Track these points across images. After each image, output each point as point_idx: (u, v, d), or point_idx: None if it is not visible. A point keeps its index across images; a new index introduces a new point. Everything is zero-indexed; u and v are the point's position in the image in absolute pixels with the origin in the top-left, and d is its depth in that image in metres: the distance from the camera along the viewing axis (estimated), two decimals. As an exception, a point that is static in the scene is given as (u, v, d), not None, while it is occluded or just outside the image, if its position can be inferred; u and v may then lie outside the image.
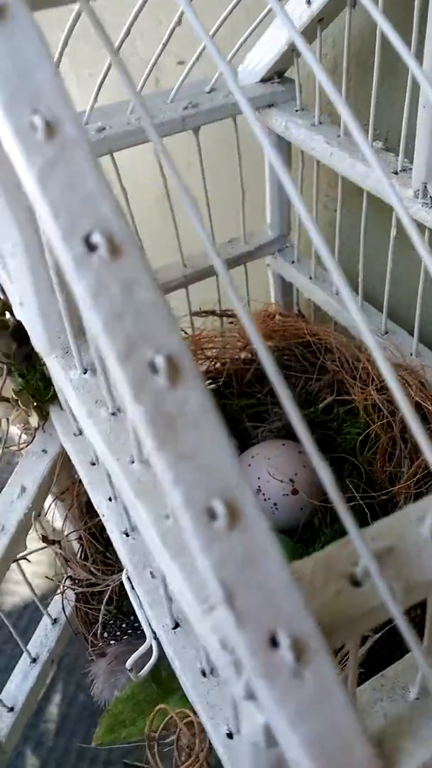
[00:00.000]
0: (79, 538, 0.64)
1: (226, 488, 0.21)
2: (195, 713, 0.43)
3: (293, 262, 0.69)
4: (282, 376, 0.22)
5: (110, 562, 0.60)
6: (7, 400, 0.62)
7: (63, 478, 0.67)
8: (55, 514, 0.71)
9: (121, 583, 0.55)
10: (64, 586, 0.62)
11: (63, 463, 0.65)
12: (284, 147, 0.64)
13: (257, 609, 0.21)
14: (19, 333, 0.61)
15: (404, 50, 0.27)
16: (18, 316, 0.44)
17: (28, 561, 0.63)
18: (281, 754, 0.25)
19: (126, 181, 0.59)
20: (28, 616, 1.11)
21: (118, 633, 0.54)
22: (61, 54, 0.48)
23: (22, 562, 0.61)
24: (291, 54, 0.57)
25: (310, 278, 0.67)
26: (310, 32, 0.54)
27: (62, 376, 0.38)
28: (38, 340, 0.40)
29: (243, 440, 0.62)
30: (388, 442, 0.51)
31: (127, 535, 0.49)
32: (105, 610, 0.56)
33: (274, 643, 0.21)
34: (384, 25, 0.28)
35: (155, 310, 0.22)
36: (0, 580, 0.59)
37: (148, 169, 0.66)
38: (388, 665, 0.36)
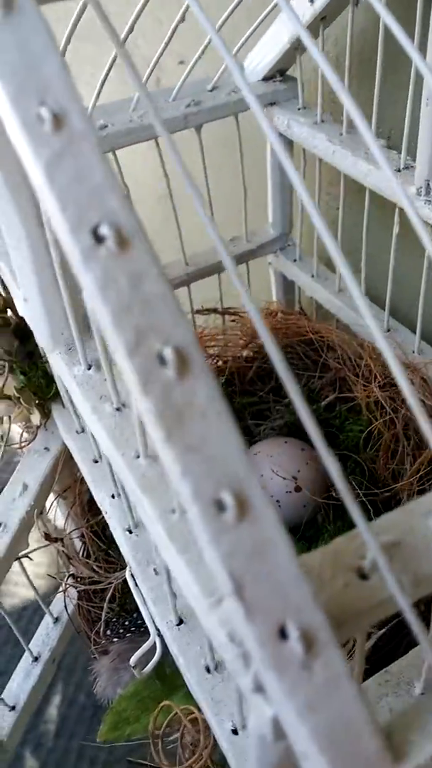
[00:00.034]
0: (82, 536, 0.64)
1: (235, 480, 0.21)
2: (199, 710, 0.43)
3: (295, 260, 0.69)
4: (290, 370, 0.22)
5: (113, 560, 0.60)
6: (8, 397, 0.62)
7: (65, 477, 0.67)
8: (56, 513, 0.71)
9: (124, 581, 0.55)
10: (66, 584, 0.62)
11: (65, 461, 0.65)
12: (286, 146, 0.64)
13: (266, 601, 0.21)
14: (21, 330, 0.61)
15: (407, 42, 0.27)
16: (21, 313, 0.44)
17: (30, 559, 0.63)
18: (289, 747, 0.25)
19: (127, 180, 0.59)
20: (29, 614, 1.10)
21: (121, 630, 0.54)
22: (63, 51, 0.48)
23: (24, 560, 0.61)
24: (293, 52, 0.57)
25: (312, 276, 0.67)
26: (312, 30, 0.54)
27: (66, 372, 0.38)
28: (42, 336, 0.40)
29: (245, 438, 0.62)
30: (391, 439, 0.51)
31: (131, 532, 0.49)
32: (108, 608, 0.56)
33: (283, 635, 0.20)
34: (387, 18, 0.28)
35: (163, 302, 0.22)
36: (2, 579, 0.59)
37: (150, 168, 0.66)
38: (391, 662, 0.36)
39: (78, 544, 0.65)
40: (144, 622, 0.53)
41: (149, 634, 0.48)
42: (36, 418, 0.65)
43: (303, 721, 0.20)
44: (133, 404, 0.30)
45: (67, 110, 0.23)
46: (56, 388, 0.60)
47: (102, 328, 0.22)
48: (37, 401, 0.62)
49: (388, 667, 0.34)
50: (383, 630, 0.41)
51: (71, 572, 0.63)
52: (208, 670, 0.41)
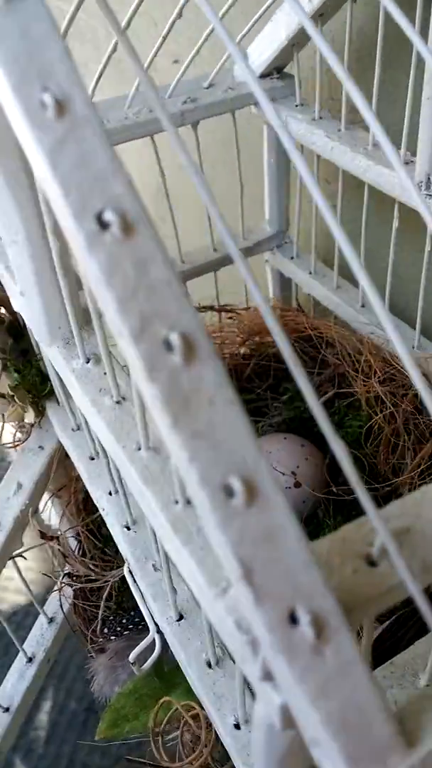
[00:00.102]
0: (77, 535, 0.63)
1: (243, 465, 0.21)
2: (200, 706, 0.43)
3: (292, 257, 0.69)
4: (298, 360, 0.22)
5: (109, 558, 0.60)
6: (2, 396, 0.62)
7: (59, 476, 0.66)
8: (51, 513, 0.70)
9: (121, 579, 0.55)
10: (61, 583, 0.62)
11: (59, 460, 0.65)
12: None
13: (276, 585, 0.20)
14: (15, 328, 0.61)
15: (408, 27, 0.27)
16: (17, 308, 0.44)
17: (25, 558, 0.62)
18: (297, 735, 0.25)
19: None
20: (22, 615, 1.10)
21: (119, 629, 0.54)
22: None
23: (18, 560, 0.61)
24: (290, 49, 0.57)
25: (310, 273, 0.67)
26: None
27: (64, 365, 0.38)
28: (39, 331, 0.39)
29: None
30: (392, 433, 0.51)
31: (128, 529, 0.49)
32: (104, 606, 0.55)
33: (293, 620, 0.20)
34: (388, 4, 0.28)
35: (169, 288, 0.22)
36: (-3, 578, 0.58)
37: (145, 165, 0.66)
38: (393, 656, 0.36)
39: (73, 543, 0.65)
40: (141, 620, 0.53)
41: (147, 632, 0.48)
42: (30, 416, 0.64)
43: (314, 707, 0.20)
44: (134, 396, 0.30)
45: (70, 96, 0.23)
46: (51, 386, 0.59)
47: (106, 315, 0.22)
48: (31, 399, 0.62)
49: (392, 659, 0.34)
50: (386, 623, 0.41)
51: (67, 571, 0.62)
52: (209, 665, 0.41)
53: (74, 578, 0.60)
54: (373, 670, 0.34)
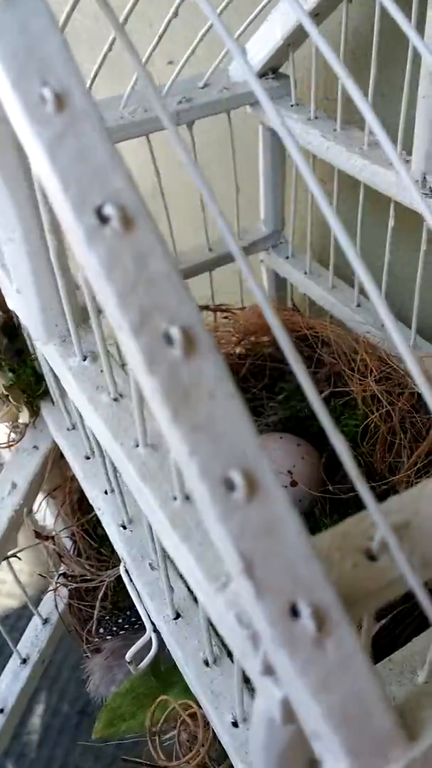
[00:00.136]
0: (72, 535, 0.63)
1: (244, 459, 0.21)
2: (197, 705, 0.43)
3: (287, 257, 0.69)
4: (300, 360, 0.22)
5: (104, 558, 0.60)
6: (-3, 395, 0.62)
7: (54, 476, 0.66)
8: (45, 514, 0.70)
9: (116, 579, 0.55)
10: (56, 583, 0.62)
11: (54, 460, 0.64)
12: (279, 142, 0.64)
13: (277, 579, 0.20)
14: (9, 328, 0.61)
15: (405, 22, 0.27)
16: (12, 306, 0.44)
17: (19, 559, 0.62)
18: (298, 730, 0.25)
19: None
20: (15, 616, 1.09)
21: (114, 628, 0.53)
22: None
23: (12, 560, 0.60)
24: (286, 49, 0.57)
25: (305, 273, 0.67)
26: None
27: (61, 363, 0.38)
28: (36, 329, 0.39)
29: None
30: (388, 432, 0.51)
31: (125, 528, 0.49)
32: (100, 606, 0.55)
33: (294, 613, 0.20)
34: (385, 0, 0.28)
35: (169, 281, 0.22)
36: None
37: (140, 165, 0.66)
38: (392, 653, 0.36)
39: (68, 543, 0.65)
40: (137, 620, 0.53)
41: (143, 632, 0.48)
42: (24, 416, 0.64)
43: (316, 700, 0.20)
44: (132, 392, 0.30)
45: (69, 90, 0.23)
46: (45, 385, 0.59)
47: (106, 309, 0.22)
48: (26, 399, 0.62)
49: (390, 656, 0.34)
50: (383, 621, 0.41)
51: (62, 571, 0.62)
52: (206, 663, 0.41)
53: (69, 578, 0.60)
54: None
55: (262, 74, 0.61)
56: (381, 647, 0.40)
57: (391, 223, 0.54)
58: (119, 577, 0.55)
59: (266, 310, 0.22)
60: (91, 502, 0.53)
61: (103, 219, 0.22)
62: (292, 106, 0.60)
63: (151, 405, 0.22)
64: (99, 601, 0.55)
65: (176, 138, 0.25)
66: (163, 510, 0.29)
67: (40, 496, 0.66)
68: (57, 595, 0.63)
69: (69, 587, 0.59)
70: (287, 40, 0.56)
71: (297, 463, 0.52)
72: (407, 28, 0.27)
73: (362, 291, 0.63)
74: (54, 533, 0.61)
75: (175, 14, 0.48)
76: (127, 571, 0.47)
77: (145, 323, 0.21)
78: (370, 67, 0.50)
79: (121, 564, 0.48)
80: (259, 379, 0.63)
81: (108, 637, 0.54)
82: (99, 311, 0.31)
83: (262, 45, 0.58)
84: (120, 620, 0.54)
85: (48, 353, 0.39)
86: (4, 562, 0.60)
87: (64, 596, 0.64)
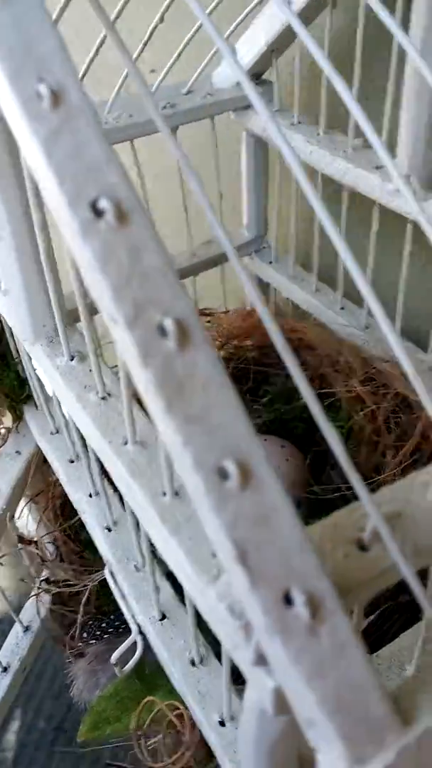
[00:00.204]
0: (54, 541, 0.63)
1: (237, 448, 0.21)
2: (183, 706, 0.42)
3: (271, 262, 0.69)
4: (298, 365, 0.22)
5: (87, 564, 0.59)
6: (-20, 400, 0.61)
7: (36, 481, 0.66)
8: (27, 520, 0.70)
9: (99, 584, 0.55)
10: (39, 589, 0.61)
11: (36, 466, 0.64)
12: (262, 148, 0.65)
13: (270, 567, 0.21)
14: (-7, 333, 0.61)
15: (392, 22, 0.28)
16: (-1, 308, 0.44)
17: (1, 564, 0.62)
18: (289, 721, 0.25)
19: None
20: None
21: (98, 633, 0.53)
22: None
23: (-5, 567, 0.60)
24: (270, 55, 0.58)
25: (289, 277, 0.67)
26: (289, 34, 0.55)
27: (48, 363, 0.38)
28: (23, 329, 0.39)
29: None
30: (373, 432, 0.52)
31: (109, 530, 0.49)
32: (83, 611, 0.55)
33: (288, 600, 0.21)
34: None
35: (163, 274, 0.22)
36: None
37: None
38: (380, 649, 0.36)
39: (50, 549, 0.64)
40: (121, 624, 0.53)
41: (127, 635, 0.48)
42: (7, 420, 0.64)
43: (310, 687, 0.20)
44: (122, 389, 0.30)
45: (65, 87, 0.23)
46: (29, 390, 0.59)
47: (101, 302, 0.22)
48: (9, 403, 0.62)
49: (378, 652, 0.34)
50: (371, 617, 0.42)
51: (44, 577, 0.62)
52: (193, 663, 0.41)
53: (52, 583, 0.59)
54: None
55: (245, 81, 0.62)
56: (369, 643, 0.40)
57: (374, 226, 0.55)
58: (102, 582, 0.54)
59: (262, 311, 0.23)
60: (75, 505, 0.53)
61: (98, 213, 0.22)
62: (276, 111, 0.60)
63: (145, 397, 0.22)
64: (83, 606, 0.55)
65: (170, 137, 0.25)
66: (152, 506, 0.30)
67: (22, 502, 0.66)
68: (39, 600, 0.62)
69: (51, 592, 0.59)
70: (271, 46, 0.57)
71: (282, 465, 0.53)
72: (395, 29, 0.28)
73: (346, 294, 0.64)
74: (37, 538, 0.61)
75: (161, 20, 0.48)
76: (111, 574, 0.47)
77: (140, 316, 0.22)
78: (354, 71, 0.51)
79: (106, 566, 0.48)
80: (243, 383, 0.64)
81: (92, 642, 0.53)
82: (89, 309, 0.31)
83: (246, 51, 0.59)
84: (104, 624, 0.54)
85: (35, 353, 0.39)
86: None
87: (46, 602, 0.63)
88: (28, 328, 0.39)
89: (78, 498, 0.52)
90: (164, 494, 0.30)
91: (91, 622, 0.55)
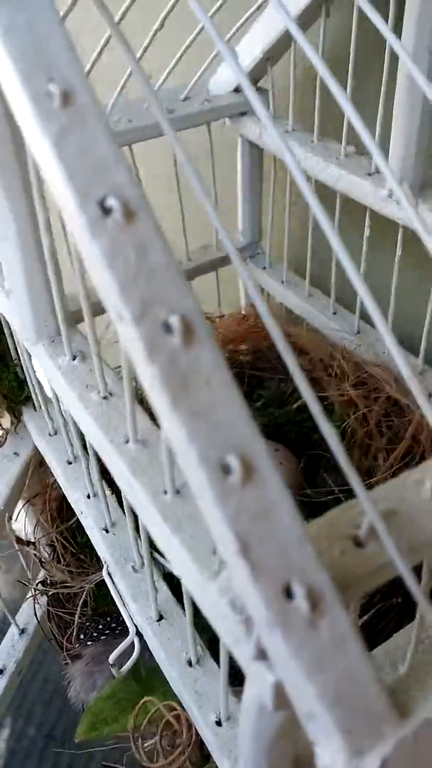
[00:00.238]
0: (50, 543, 0.63)
1: (240, 444, 0.22)
2: (180, 707, 0.43)
3: (265, 267, 0.70)
4: (300, 369, 0.22)
5: (84, 566, 0.60)
6: (-22, 401, 0.62)
7: (34, 483, 0.66)
8: (24, 522, 0.70)
9: (96, 585, 0.55)
10: (35, 590, 0.61)
11: (34, 468, 0.64)
12: (257, 155, 0.66)
13: (272, 560, 0.21)
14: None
15: (385, 28, 0.28)
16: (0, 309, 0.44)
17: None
18: (288, 717, 0.26)
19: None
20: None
21: (95, 634, 0.53)
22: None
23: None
24: (265, 63, 0.58)
25: (282, 282, 0.68)
26: (285, 42, 0.56)
27: (50, 363, 0.38)
28: (25, 329, 0.40)
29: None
30: (365, 436, 0.52)
31: (107, 531, 0.49)
32: (80, 612, 0.55)
33: (288, 594, 0.21)
34: (363, 4, 0.29)
35: (168, 272, 0.23)
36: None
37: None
38: (374, 648, 0.37)
39: (47, 552, 0.65)
40: (118, 625, 0.53)
41: (123, 637, 0.48)
42: (6, 421, 0.64)
43: (310, 680, 0.21)
44: (126, 388, 0.31)
45: (75, 86, 0.23)
46: (28, 391, 0.59)
47: (107, 300, 0.23)
48: (7, 405, 0.62)
49: (372, 651, 0.35)
50: (365, 617, 0.42)
51: (40, 579, 0.62)
52: (190, 663, 0.41)
53: (50, 585, 0.59)
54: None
55: (241, 88, 0.62)
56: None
57: (366, 232, 0.55)
58: (99, 584, 0.55)
59: (267, 320, 0.23)
60: (73, 506, 0.53)
61: (106, 211, 0.22)
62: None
63: (150, 393, 0.22)
64: (80, 607, 0.55)
65: (175, 139, 0.25)
66: (154, 504, 0.30)
67: (19, 504, 0.66)
68: (36, 602, 0.62)
69: (49, 593, 0.59)
70: (266, 54, 0.57)
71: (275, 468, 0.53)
72: (388, 34, 0.28)
73: (338, 299, 0.64)
74: (35, 539, 0.61)
75: (161, 26, 0.49)
76: (109, 574, 0.47)
77: (146, 312, 0.22)
78: (347, 80, 0.52)
79: (104, 567, 0.48)
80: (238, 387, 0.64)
81: (89, 643, 0.53)
82: (92, 309, 0.32)
83: (242, 59, 0.60)
84: (100, 626, 0.54)
85: (37, 353, 0.40)
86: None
87: (42, 604, 0.63)
88: (31, 328, 0.39)
89: (76, 498, 0.52)
90: (165, 492, 0.30)
91: (88, 624, 0.56)
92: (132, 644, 0.46)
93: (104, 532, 0.49)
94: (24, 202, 0.33)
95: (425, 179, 0.51)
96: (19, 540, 0.59)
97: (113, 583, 0.47)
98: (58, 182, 0.23)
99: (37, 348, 0.39)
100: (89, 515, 0.50)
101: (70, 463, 0.54)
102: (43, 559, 0.58)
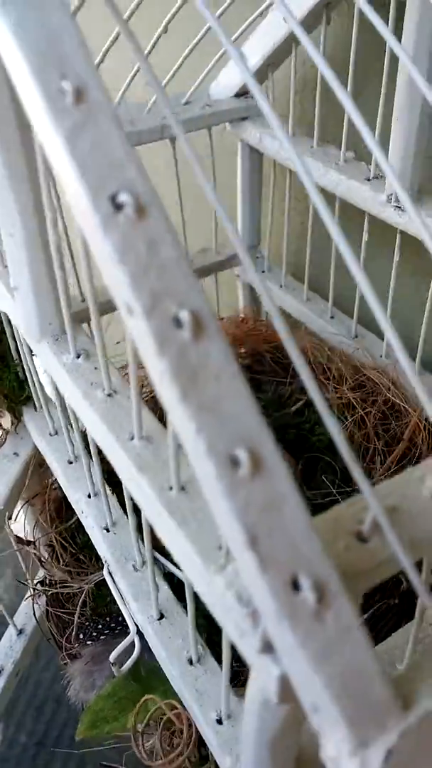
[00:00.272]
0: (50, 544, 0.63)
1: (248, 437, 0.22)
2: (181, 706, 0.43)
3: (263, 271, 0.70)
4: (308, 369, 0.23)
5: (83, 566, 0.60)
6: (-22, 402, 0.62)
7: (33, 483, 0.66)
8: (23, 523, 0.70)
9: (95, 585, 0.55)
10: (34, 590, 0.61)
11: (34, 468, 0.64)
12: (257, 159, 0.66)
13: (279, 552, 0.21)
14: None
15: (385, 30, 0.29)
16: (3, 308, 0.44)
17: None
18: (291, 711, 0.26)
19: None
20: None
21: (95, 634, 0.53)
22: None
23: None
24: (266, 69, 0.59)
25: (281, 286, 0.69)
26: (285, 48, 0.57)
27: (54, 361, 0.39)
28: (30, 327, 0.40)
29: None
30: (363, 438, 0.52)
31: (108, 531, 0.49)
32: (80, 612, 0.55)
33: (295, 586, 0.21)
34: (364, 6, 0.30)
35: (179, 267, 0.23)
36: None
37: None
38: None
39: (45, 552, 0.65)
40: (117, 625, 0.53)
41: (123, 636, 0.48)
42: (6, 422, 0.64)
43: (316, 671, 0.21)
44: (132, 385, 0.31)
45: (88, 84, 0.24)
46: (28, 391, 0.59)
47: (119, 294, 0.23)
48: (8, 404, 0.62)
49: (372, 648, 0.35)
50: (364, 616, 0.42)
51: (39, 579, 0.62)
52: (190, 662, 0.41)
53: (49, 584, 0.59)
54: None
55: (242, 93, 0.63)
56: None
57: (364, 237, 0.56)
58: (98, 584, 0.55)
59: (276, 317, 0.23)
60: (73, 505, 0.53)
61: (118, 206, 0.23)
62: (272, 124, 0.62)
63: (160, 386, 0.23)
64: (79, 607, 0.55)
65: (183, 138, 0.26)
66: (159, 499, 0.30)
67: (18, 504, 0.66)
68: (35, 602, 0.62)
69: (48, 593, 0.59)
70: (267, 60, 0.58)
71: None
72: (388, 36, 0.29)
73: (336, 303, 0.65)
74: (34, 539, 0.61)
75: (165, 30, 0.49)
76: (110, 573, 0.48)
77: (156, 306, 0.22)
78: (346, 86, 0.52)
79: (105, 566, 0.48)
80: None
81: (88, 643, 0.53)
82: (99, 307, 0.32)
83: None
84: (100, 626, 0.54)
85: (41, 351, 0.40)
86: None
87: (42, 604, 0.63)
88: (35, 326, 0.39)
89: (77, 498, 0.52)
90: (171, 488, 0.30)
91: (87, 624, 0.56)
92: (132, 643, 0.46)
93: (105, 531, 0.49)
94: (30, 199, 0.33)
95: (423, 182, 0.51)
96: (19, 539, 0.59)
97: (114, 582, 0.47)
98: (70, 178, 0.23)
99: (41, 346, 0.39)
100: (90, 515, 0.50)
101: (70, 462, 0.54)
102: (42, 559, 0.58)
